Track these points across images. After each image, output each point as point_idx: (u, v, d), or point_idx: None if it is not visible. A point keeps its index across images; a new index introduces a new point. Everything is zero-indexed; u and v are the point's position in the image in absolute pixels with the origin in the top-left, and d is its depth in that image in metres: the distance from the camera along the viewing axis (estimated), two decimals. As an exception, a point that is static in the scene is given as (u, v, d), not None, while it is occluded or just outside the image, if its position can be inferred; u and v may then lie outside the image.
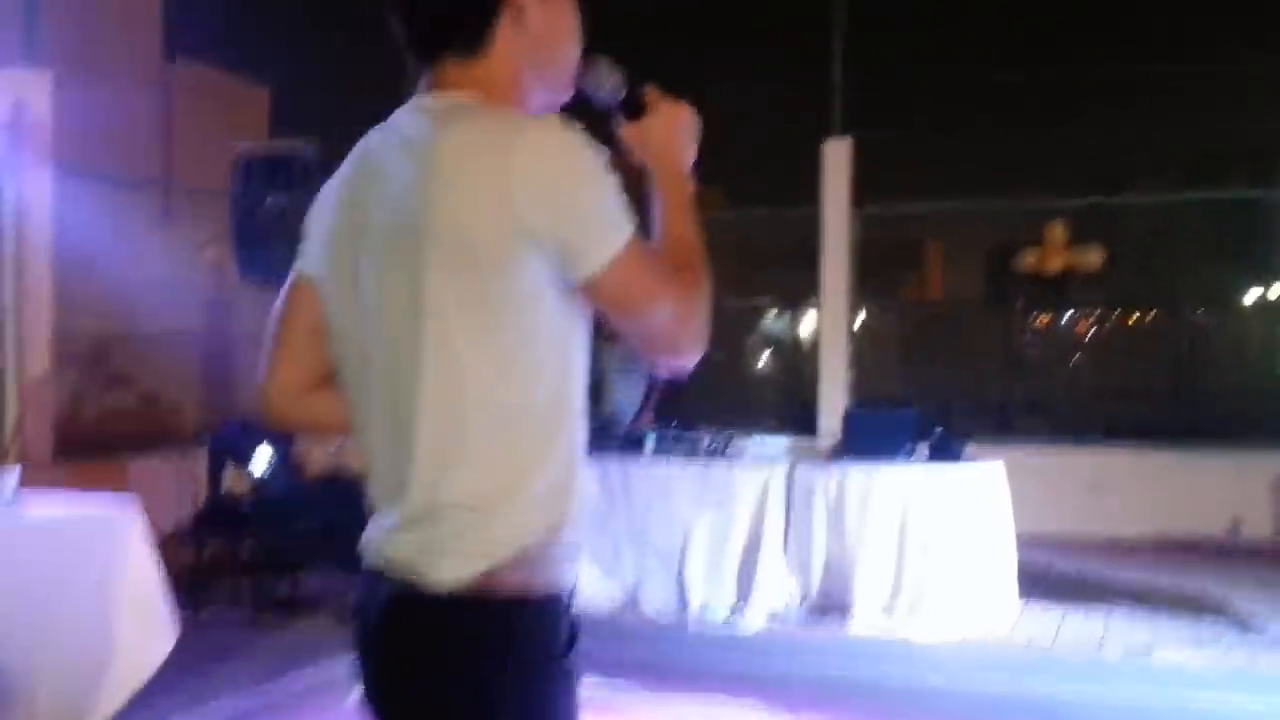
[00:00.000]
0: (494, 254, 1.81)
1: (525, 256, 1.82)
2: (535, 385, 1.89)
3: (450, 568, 1.86)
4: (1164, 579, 8.90)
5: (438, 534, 1.88)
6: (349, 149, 2.02)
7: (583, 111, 2.01)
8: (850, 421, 8.38)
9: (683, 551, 7.96)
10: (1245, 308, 13.65)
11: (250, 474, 7.87)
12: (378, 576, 1.95)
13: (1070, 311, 13.22)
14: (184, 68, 12.03)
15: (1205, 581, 8.75)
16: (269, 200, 7.98)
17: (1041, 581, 8.31)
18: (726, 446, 8.24)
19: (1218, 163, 15.48)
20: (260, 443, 7.93)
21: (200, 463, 8.48)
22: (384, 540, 1.95)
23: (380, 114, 2.05)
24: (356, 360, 2.00)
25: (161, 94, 11.66)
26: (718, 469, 8.03)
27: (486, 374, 1.86)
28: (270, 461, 7.88)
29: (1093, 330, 12.90)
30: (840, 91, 11.45)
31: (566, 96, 2.09)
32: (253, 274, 8.14)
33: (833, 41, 11.55)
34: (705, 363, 1.99)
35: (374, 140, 2.02)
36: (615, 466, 8.07)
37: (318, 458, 8.92)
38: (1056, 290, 12.67)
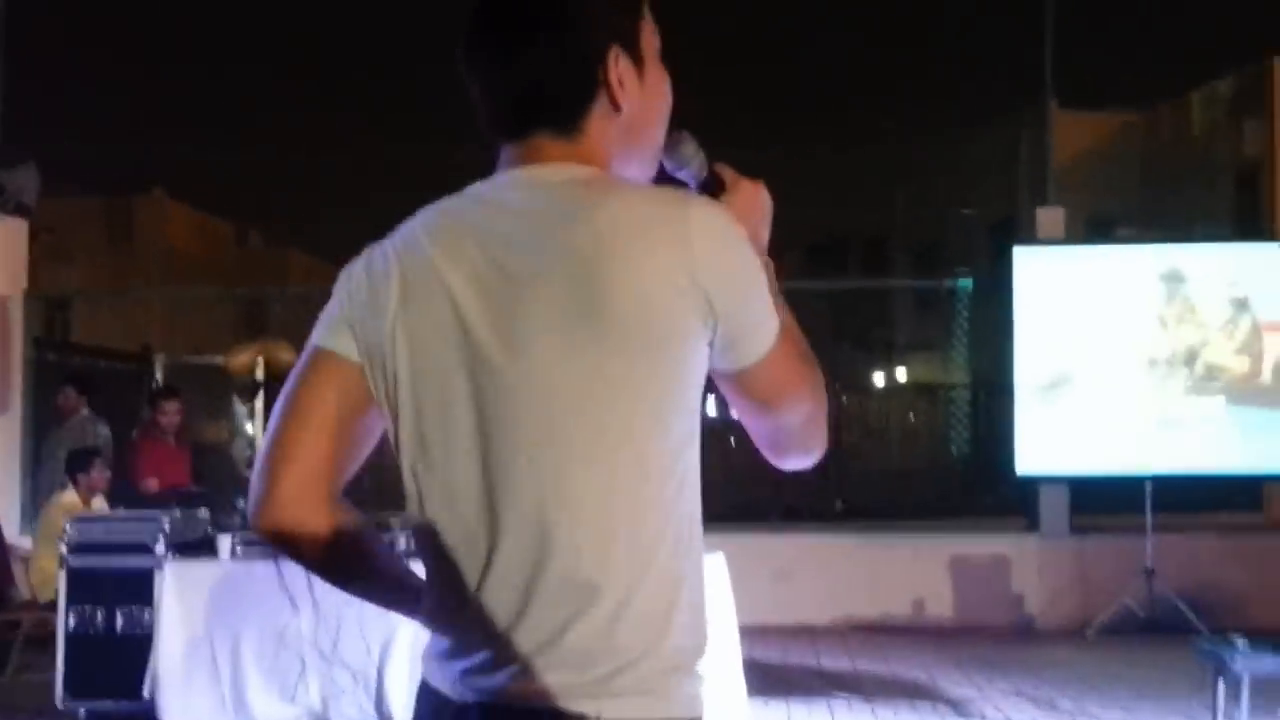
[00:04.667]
0: (671, 331, 1.64)
1: (697, 336, 1.66)
2: (689, 487, 1.70)
3: (623, 706, 1.59)
4: (868, 665, 8.88)
5: (599, 667, 1.60)
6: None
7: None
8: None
9: (381, 663, 7.04)
10: (878, 390, 13.90)
11: None
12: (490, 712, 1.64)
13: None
14: None
15: (906, 666, 8.80)
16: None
17: (753, 674, 7.89)
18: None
19: (834, 251, 15.88)
20: None
21: None
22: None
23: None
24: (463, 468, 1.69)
25: None
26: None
27: (655, 471, 1.65)
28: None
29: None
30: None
31: (650, 175, 1.91)
32: None
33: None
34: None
35: (469, 211, 1.76)
36: (295, 567, 7.06)
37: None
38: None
